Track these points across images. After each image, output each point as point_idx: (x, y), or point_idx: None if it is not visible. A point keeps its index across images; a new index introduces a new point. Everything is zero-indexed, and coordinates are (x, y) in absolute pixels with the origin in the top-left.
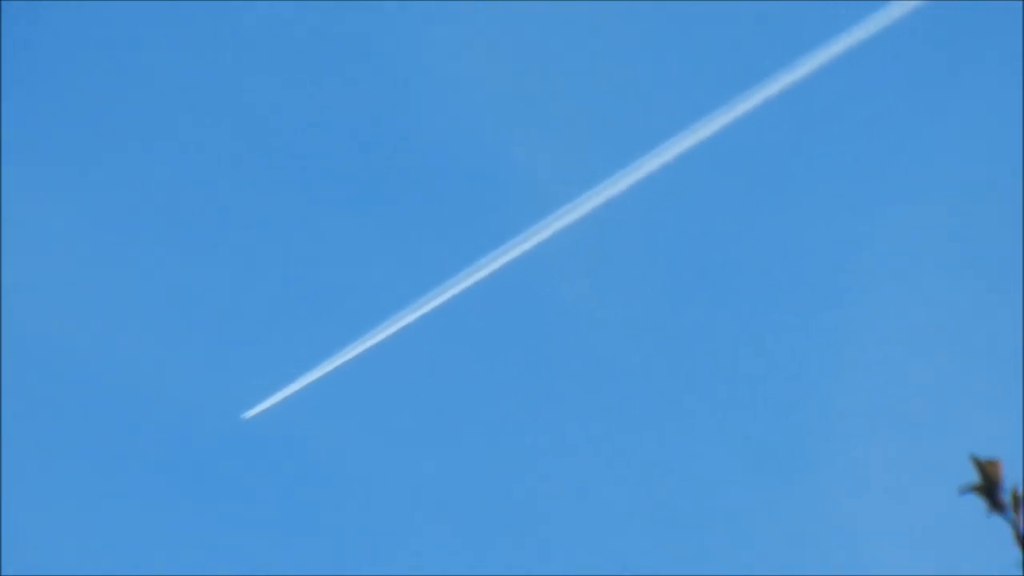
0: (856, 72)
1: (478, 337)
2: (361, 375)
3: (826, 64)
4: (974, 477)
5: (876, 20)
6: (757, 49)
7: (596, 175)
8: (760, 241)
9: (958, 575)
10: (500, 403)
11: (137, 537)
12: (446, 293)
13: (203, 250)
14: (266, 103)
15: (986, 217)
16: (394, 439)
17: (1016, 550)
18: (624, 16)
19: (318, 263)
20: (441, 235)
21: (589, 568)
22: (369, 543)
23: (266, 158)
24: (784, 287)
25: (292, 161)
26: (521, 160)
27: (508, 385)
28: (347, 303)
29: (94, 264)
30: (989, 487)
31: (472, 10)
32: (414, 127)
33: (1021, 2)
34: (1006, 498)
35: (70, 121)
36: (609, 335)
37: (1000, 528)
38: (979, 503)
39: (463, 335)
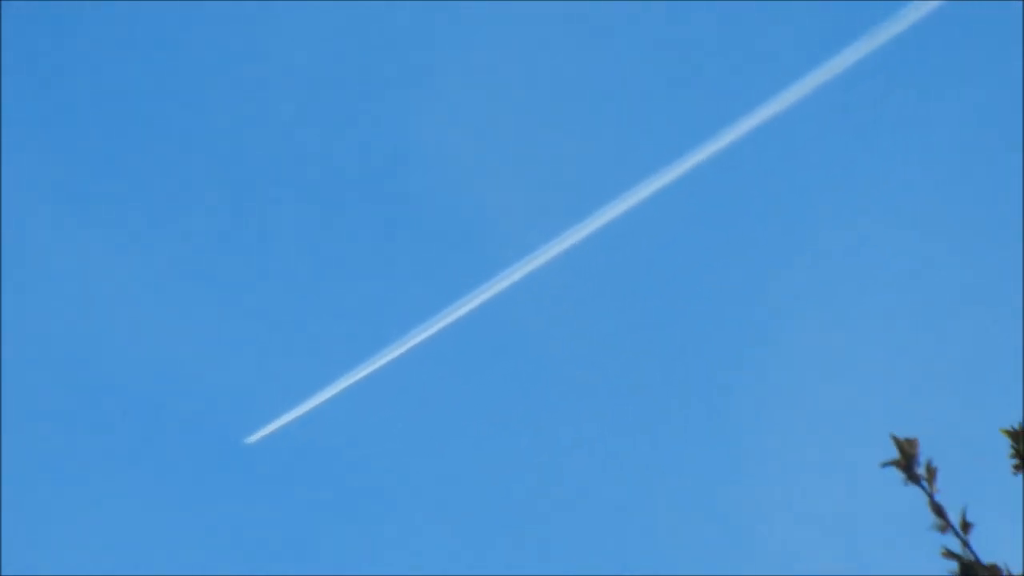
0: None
1: (475, 358)
2: (374, 392)
3: (794, 101)
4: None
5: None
6: (721, 86)
7: (567, 222)
8: (721, 271)
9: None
10: (496, 415)
11: (150, 540)
12: (444, 321)
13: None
14: (275, 140)
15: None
16: (399, 453)
17: (930, 516)
18: (590, 79)
19: (327, 298)
20: (443, 273)
21: (590, 566)
22: (377, 545)
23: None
24: (739, 312)
25: (309, 209)
26: (507, 212)
27: (503, 399)
28: (355, 329)
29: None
30: (907, 462)
31: (459, 78)
32: (420, 185)
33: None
34: (921, 471)
35: (99, 125)
36: (582, 355)
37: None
38: (898, 476)
39: (461, 357)
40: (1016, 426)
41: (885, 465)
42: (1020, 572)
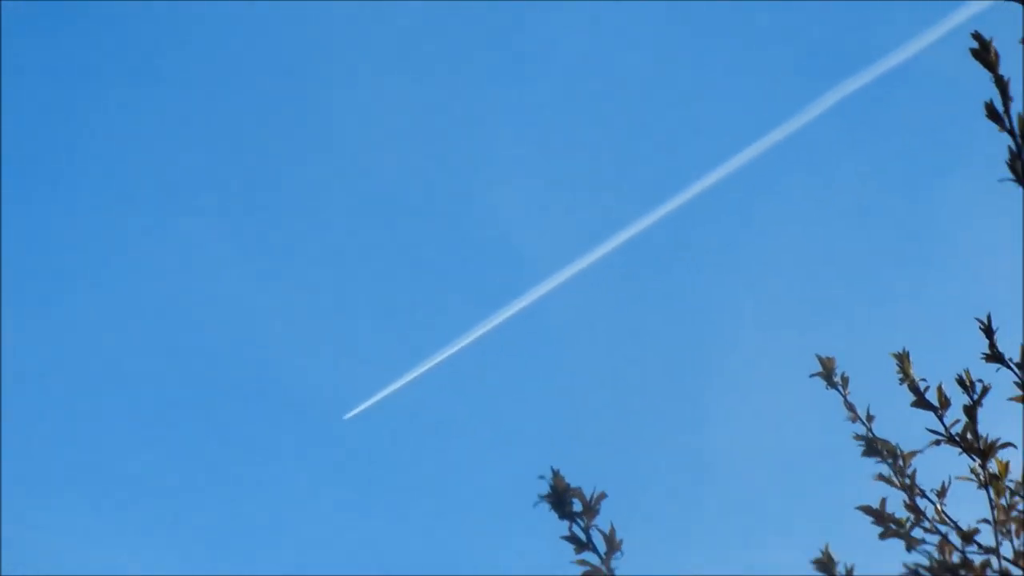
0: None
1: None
2: (422, 392)
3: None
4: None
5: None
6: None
7: (576, 250)
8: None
9: None
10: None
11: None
12: (468, 338)
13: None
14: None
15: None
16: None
17: (846, 413)
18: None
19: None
20: (468, 295)
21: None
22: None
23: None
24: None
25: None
26: (532, 241)
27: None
28: (404, 337)
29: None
30: (828, 372)
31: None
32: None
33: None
34: (837, 380)
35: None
36: (589, 367)
37: (834, 399)
38: (820, 384)
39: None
40: (900, 351)
41: (812, 376)
42: (908, 450)
